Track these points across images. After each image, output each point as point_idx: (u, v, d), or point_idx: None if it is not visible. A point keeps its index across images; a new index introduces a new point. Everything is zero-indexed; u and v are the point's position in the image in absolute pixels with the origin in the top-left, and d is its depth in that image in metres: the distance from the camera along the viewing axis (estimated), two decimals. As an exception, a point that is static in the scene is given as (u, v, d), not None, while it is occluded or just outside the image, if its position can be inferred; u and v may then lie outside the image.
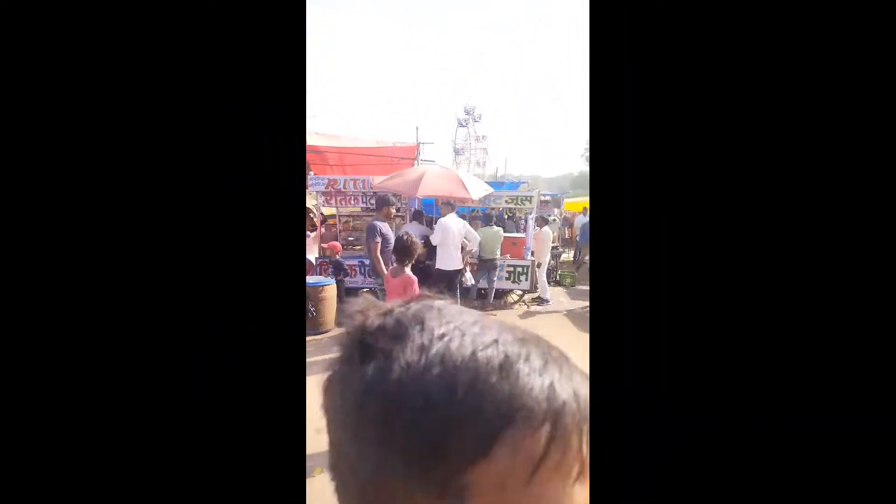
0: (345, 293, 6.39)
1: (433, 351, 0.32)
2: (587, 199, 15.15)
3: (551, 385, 0.32)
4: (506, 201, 8.49)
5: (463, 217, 6.72)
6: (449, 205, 6.15)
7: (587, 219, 11.58)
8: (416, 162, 9.59)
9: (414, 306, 0.37)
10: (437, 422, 0.30)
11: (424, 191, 6.28)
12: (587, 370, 0.50)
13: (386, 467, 0.31)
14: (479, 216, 7.79)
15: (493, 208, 8.27)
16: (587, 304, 7.67)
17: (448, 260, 5.43)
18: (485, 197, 7.28)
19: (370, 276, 7.05)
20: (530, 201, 8.17)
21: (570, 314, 7.01)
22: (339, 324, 5.89)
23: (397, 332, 0.34)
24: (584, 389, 0.34)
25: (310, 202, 7.26)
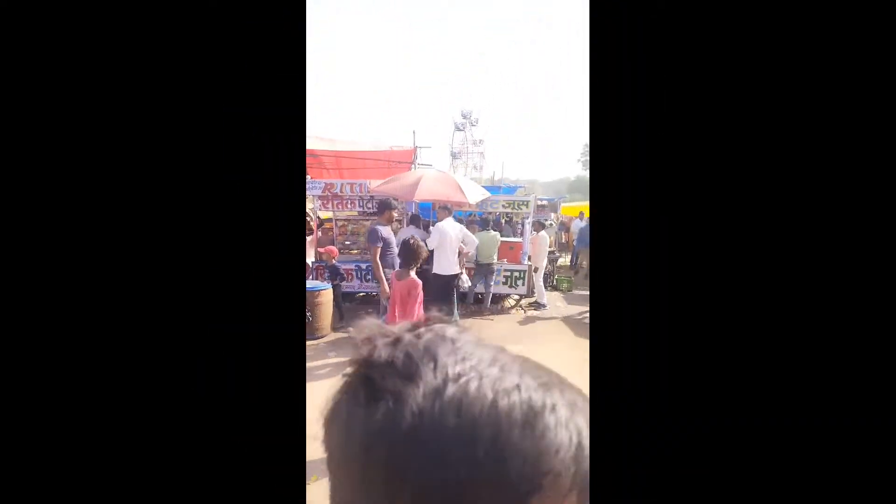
0: (341, 298, 6.38)
1: (448, 394, 0.29)
2: (584, 203, 15.21)
3: (579, 444, 0.30)
4: (503, 205, 8.51)
5: (460, 221, 6.72)
6: (446, 209, 6.15)
7: (584, 223, 11.60)
8: (413, 166, 9.60)
9: (425, 336, 0.33)
10: (455, 484, 0.27)
11: (421, 195, 6.29)
12: (587, 371, 0.50)
13: None
14: (477, 220, 7.79)
15: (490, 212, 8.28)
16: (584, 309, 7.68)
17: (445, 264, 5.42)
18: (482, 201, 7.29)
19: (367, 281, 7.05)
20: (527, 205, 8.19)
21: (568, 320, 7.01)
22: (334, 329, 5.88)
23: (408, 371, 0.31)
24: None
25: (306, 206, 7.25)
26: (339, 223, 7.76)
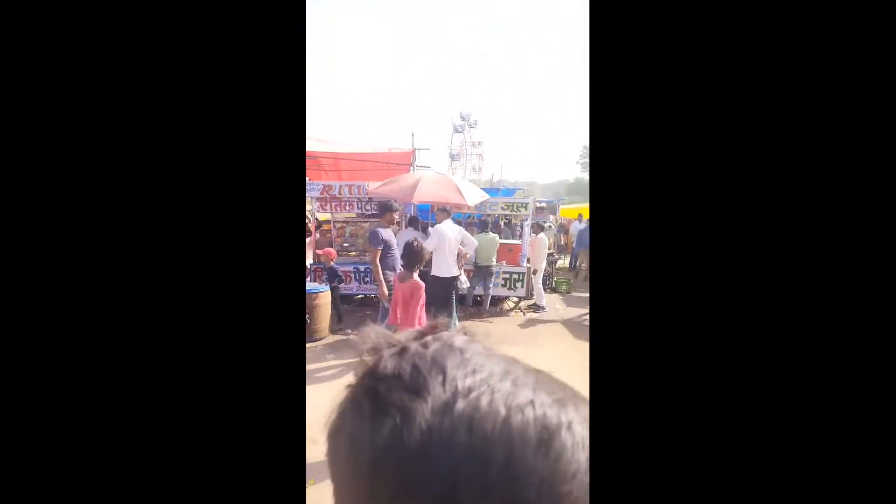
0: (339, 300, 6.37)
1: (458, 410, 0.28)
2: (583, 205, 15.21)
3: None
4: (502, 208, 8.51)
5: (459, 223, 6.72)
6: (445, 211, 6.15)
7: (583, 225, 11.61)
8: (411, 167, 9.60)
9: (433, 346, 0.32)
10: None
11: (420, 197, 6.28)
12: (587, 373, 0.50)
13: None
14: (475, 222, 7.80)
15: (488, 215, 8.28)
16: (583, 311, 7.68)
17: (444, 266, 5.42)
18: (481, 203, 7.30)
19: (365, 283, 7.04)
20: (526, 208, 8.19)
21: (567, 322, 7.00)
22: (332, 331, 5.87)
23: (415, 384, 0.30)
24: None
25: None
26: (338, 225, 7.75)
